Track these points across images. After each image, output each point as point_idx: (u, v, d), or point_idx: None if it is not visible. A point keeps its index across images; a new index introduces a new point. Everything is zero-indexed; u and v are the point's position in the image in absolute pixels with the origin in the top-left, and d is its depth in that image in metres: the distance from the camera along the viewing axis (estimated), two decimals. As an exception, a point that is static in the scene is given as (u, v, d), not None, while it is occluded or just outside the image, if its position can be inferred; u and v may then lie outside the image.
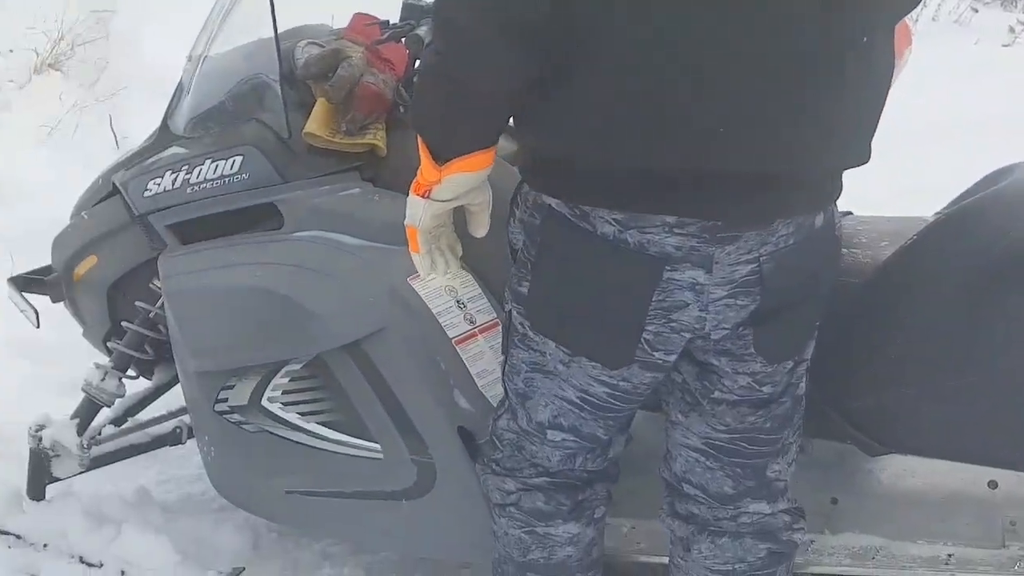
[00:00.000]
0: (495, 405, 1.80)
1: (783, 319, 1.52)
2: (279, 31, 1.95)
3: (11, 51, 4.62)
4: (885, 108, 1.46)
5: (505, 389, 1.69)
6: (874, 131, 1.46)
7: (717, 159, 1.36)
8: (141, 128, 3.42)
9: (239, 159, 1.98)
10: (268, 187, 1.97)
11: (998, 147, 3.89)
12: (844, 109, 1.40)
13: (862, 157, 1.46)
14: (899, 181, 3.11)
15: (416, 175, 1.52)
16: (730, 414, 1.59)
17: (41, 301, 2.38)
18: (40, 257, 2.41)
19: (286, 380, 1.92)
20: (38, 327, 2.39)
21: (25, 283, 2.40)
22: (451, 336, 1.85)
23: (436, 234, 1.58)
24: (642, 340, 1.48)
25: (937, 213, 1.87)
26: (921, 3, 1.52)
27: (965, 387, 1.65)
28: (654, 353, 1.50)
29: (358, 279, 1.86)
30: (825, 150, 1.42)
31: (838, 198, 1.53)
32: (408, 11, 2.15)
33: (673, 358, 1.52)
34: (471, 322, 1.88)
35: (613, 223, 1.42)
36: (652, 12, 1.31)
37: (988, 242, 1.64)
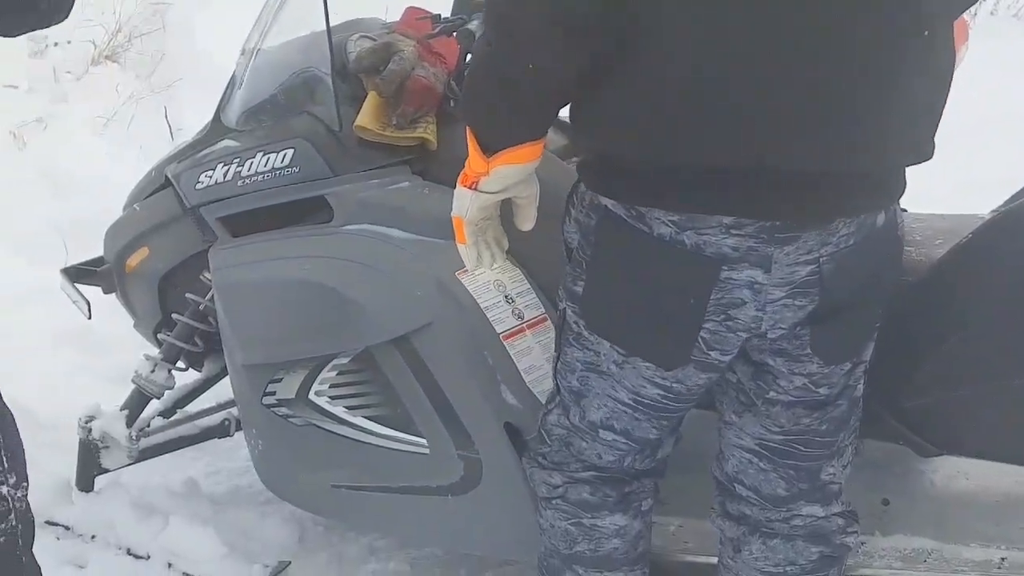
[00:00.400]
0: (542, 401, 1.80)
1: (842, 320, 1.50)
2: (332, 25, 1.96)
3: (69, 43, 4.70)
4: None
5: (557, 386, 1.69)
6: (936, 126, 1.44)
7: (775, 157, 1.35)
8: (195, 119, 3.49)
9: (290, 152, 2.00)
10: (318, 180, 1.99)
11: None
12: (906, 105, 1.37)
13: (925, 153, 1.44)
14: (953, 176, 3.05)
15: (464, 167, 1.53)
16: (785, 415, 1.58)
17: (93, 292, 2.43)
18: (94, 247, 2.46)
19: (334, 374, 1.93)
20: (90, 318, 2.43)
21: (78, 274, 2.45)
22: (499, 331, 1.86)
23: (483, 226, 1.58)
24: (698, 339, 1.47)
25: (993, 211, 1.84)
26: (980, -3, 1.50)
27: (1021, 388, 1.63)
28: (710, 353, 1.49)
29: (407, 273, 1.87)
30: (886, 146, 1.40)
31: (901, 196, 1.50)
32: (460, 5, 2.17)
33: (728, 358, 1.51)
34: (519, 317, 1.88)
35: (669, 224, 1.41)
36: (709, 6, 1.30)
37: None
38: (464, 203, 1.54)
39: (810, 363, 1.53)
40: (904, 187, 1.49)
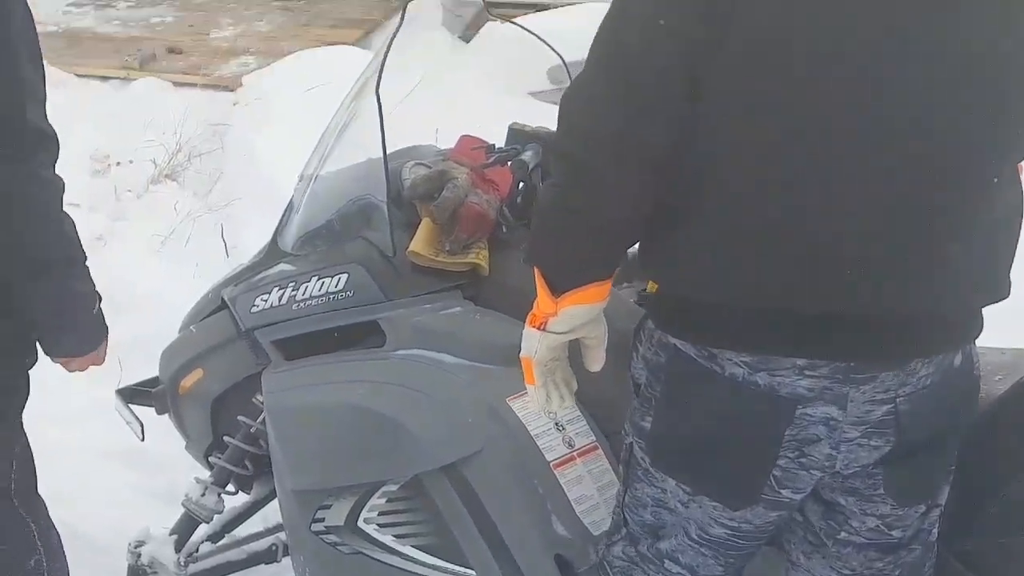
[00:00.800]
0: (593, 532, 1.80)
1: (917, 460, 1.48)
2: (388, 152, 2.03)
3: (131, 162, 4.86)
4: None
5: (625, 518, 1.67)
6: (1011, 265, 1.46)
7: (849, 302, 1.37)
8: (251, 238, 3.58)
9: (345, 276, 2.05)
10: (372, 305, 2.04)
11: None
12: (980, 247, 1.40)
13: (1001, 292, 1.45)
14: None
15: (518, 295, 1.57)
16: (856, 558, 1.55)
17: (146, 412, 2.47)
18: (149, 366, 2.51)
19: (383, 501, 1.94)
20: (143, 440, 2.47)
21: (132, 395, 2.50)
22: (549, 459, 1.86)
23: (551, 367, 1.60)
24: (771, 477, 1.46)
25: None
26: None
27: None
28: (781, 491, 1.48)
29: (458, 399, 1.89)
30: (963, 289, 1.41)
31: (979, 335, 1.50)
32: (513, 136, 2.23)
33: (800, 497, 1.50)
34: (570, 445, 1.88)
35: (742, 365, 1.42)
36: (785, 153, 1.33)
37: None
38: (533, 344, 1.56)
39: (883, 504, 1.51)
40: (981, 325, 1.49)
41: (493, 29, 5.12)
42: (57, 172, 1.72)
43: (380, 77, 2.01)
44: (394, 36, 2.13)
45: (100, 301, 1.90)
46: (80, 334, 1.91)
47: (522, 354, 1.59)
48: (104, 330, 1.95)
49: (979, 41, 1.31)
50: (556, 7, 6.55)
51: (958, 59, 1.30)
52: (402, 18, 2.18)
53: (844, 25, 1.28)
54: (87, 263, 1.85)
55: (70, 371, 1.97)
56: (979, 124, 1.34)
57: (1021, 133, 1.41)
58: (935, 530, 1.58)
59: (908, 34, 1.29)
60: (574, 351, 1.61)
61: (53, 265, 1.76)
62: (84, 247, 1.85)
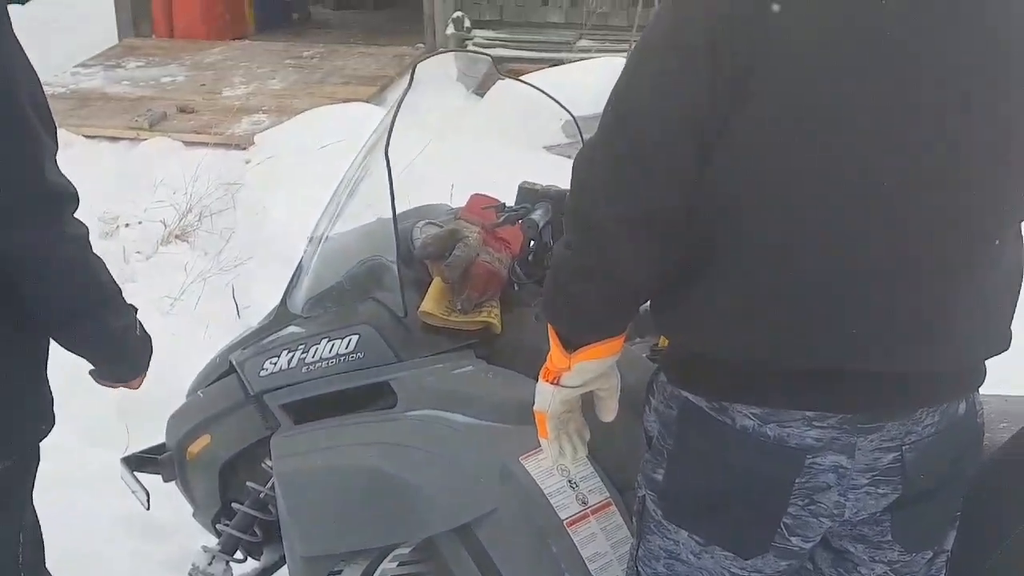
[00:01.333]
0: (606, 591, 1.81)
1: (924, 507, 1.53)
2: (398, 211, 2.09)
3: (140, 223, 4.93)
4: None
5: (638, 572, 1.70)
6: (1011, 319, 1.51)
7: (857, 360, 1.42)
8: (263, 298, 3.60)
9: (355, 338, 2.09)
10: (383, 366, 2.07)
11: None
12: (983, 303, 1.46)
13: (1003, 345, 1.52)
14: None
15: (531, 353, 1.62)
16: None
17: (153, 479, 2.49)
18: (157, 432, 2.54)
19: (394, 565, 1.95)
20: (148, 509, 2.48)
21: (138, 462, 2.52)
22: (563, 518, 1.87)
23: (565, 419, 1.65)
24: (781, 525, 1.51)
25: None
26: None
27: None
28: (791, 539, 1.52)
29: (470, 459, 1.91)
30: (965, 345, 1.48)
31: (982, 384, 1.56)
32: (523, 195, 2.29)
33: (810, 545, 1.54)
34: (583, 503, 1.90)
35: (752, 417, 1.47)
36: (789, 218, 1.39)
37: None
38: (546, 398, 1.62)
39: (891, 550, 1.55)
40: (984, 374, 1.55)
41: (508, 84, 5.22)
42: (77, 217, 1.77)
43: (389, 137, 2.07)
44: (403, 97, 2.19)
45: (139, 325, 1.93)
46: (126, 363, 1.95)
47: (535, 408, 1.64)
48: (149, 348, 1.98)
49: (981, 104, 1.37)
50: (571, 62, 6.67)
51: (967, 122, 1.37)
52: (411, 78, 2.24)
53: (856, 92, 1.34)
54: (122, 295, 1.87)
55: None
56: (986, 185, 1.40)
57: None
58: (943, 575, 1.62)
59: (921, 98, 1.35)
60: (587, 403, 1.66)
61: (89, 310, 1.80)
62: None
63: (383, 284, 2.15)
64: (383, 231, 2.13)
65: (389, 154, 2.05)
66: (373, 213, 2.24)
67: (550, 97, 2.55)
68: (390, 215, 2.08)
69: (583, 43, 7.42)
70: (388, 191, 2.05)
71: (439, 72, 2.71)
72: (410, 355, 2.07)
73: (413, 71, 2.26)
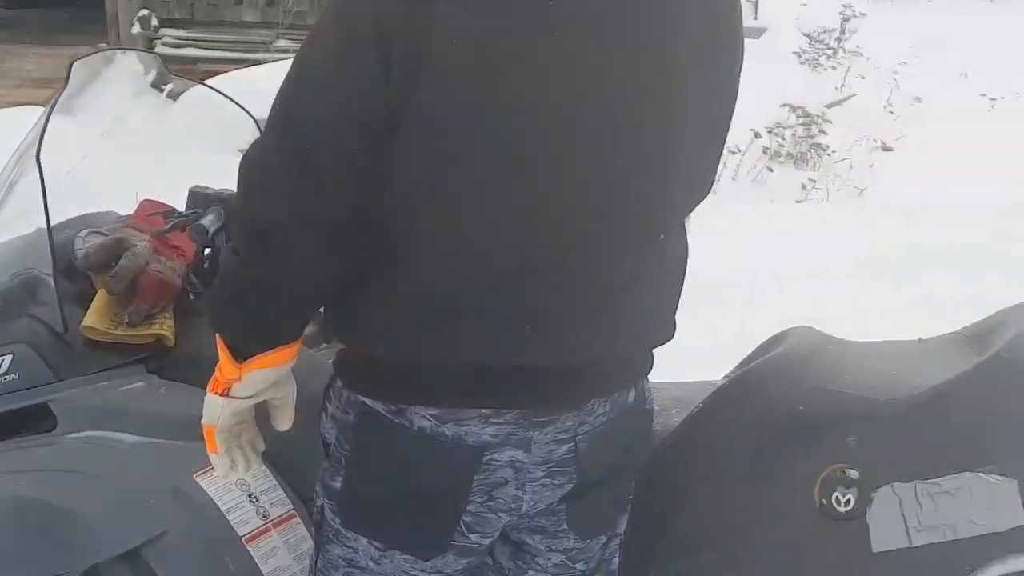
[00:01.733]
0: (289, 606, 1.80)
1: (597, 494, 1.61)
2: (61, 220, 1.99)
3: None
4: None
5: None
6: (675, 310, 1.62)
7: (526, 356, 1.47)
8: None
9: (8, 358, 1.96)
10: (41, 386, 1.96)
11: (788, 301, 4.26)
12: (647, 299, 1.55)
13: (667, 335, 1.61)
14: (700, 337, 3.30)
15: (208, 365, 1.56)
16: None
17: None
18: None
19: (59, 596, 1.87)
20: None
21: None
22: (241, 534, 1.85)
23: (236, 431, 1.61)
24: (460, 523, 1.54)
25: (725, 376, 2.01)
26: (722, 163, 1.69)
27: (753, 553, 1.76)
28: (470, 536, 1.55)
29: (136, 481, 1.84)
30: (634, 336, 1.56)
31: (650, 371, 1.65)
32: (194, 199, 2.22)
33: (489, 541, 1.58)
34: (264, 516, 1.88)
35: (429, 418, 1.49)
36: (462, 225, 1.41)
37: (763, 412, 1.80)
38: (215, 411, 1.56)
39: (567, 539, 1.62)
40: (652, 362, 1.64)
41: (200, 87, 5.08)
42: None
43: (41, 141, 1.98)
44: (57, 97, 2.09)
45: None
46: None
47: (203, 422, 1.59)
48: None
49: (650, 104, 1.44)
50: (269, 62, 6.58)
51: (629, 120, 1.43)
52: (67, 78, 2.15)
53: (524, 90, 1.38)
54: None
55: None
56: (652, 183, 1.48)
57: (687, 191, 1.58)
58: (616, 559, 1.71)
59: (587, 96, 1.40)
60: (263, 413, 1.64)
61: None
62: None
63: (39, 298, 2.03)
64: (38, 242, 2.02)
65: (41, 159, 1.95)
66: (29, 223, 2.13)
67: (229, 99, 2.51)
68: (45, 225, 1.98)
69: (281, 43, 7.36)
70: (42, 198, 1.95)
71: (125, 73, 2.59)
72: (71, 373, 1.97)
73: (69, 70, 2.17)
